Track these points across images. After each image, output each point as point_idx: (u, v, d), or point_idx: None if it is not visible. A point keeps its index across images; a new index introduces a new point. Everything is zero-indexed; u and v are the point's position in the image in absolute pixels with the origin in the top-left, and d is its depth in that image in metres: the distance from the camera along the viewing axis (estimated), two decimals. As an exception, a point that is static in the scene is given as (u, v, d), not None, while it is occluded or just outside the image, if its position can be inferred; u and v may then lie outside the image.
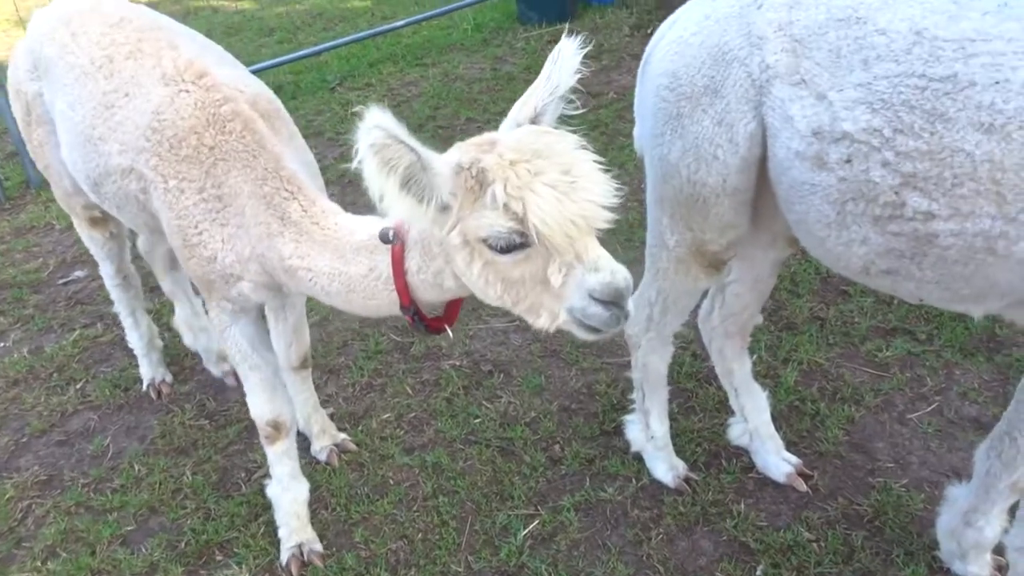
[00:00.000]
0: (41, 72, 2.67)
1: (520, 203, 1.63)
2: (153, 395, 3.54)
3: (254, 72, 2.58)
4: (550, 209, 1.62)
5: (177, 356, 3.77)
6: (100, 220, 3.14)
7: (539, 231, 1.63)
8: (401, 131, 1.64)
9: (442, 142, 5.43)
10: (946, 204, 1.78)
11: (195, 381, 3.63)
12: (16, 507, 3.06)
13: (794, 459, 2.92)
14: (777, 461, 2.90)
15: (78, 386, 3.64)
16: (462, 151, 1.76)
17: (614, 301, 1.69)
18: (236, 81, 2.33)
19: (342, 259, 2.06)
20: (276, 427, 2.62)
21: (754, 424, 2.91)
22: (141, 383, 3.59)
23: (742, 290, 2.69)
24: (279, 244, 2.12)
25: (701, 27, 2.11)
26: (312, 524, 2.82)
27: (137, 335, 3.51)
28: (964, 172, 1.73)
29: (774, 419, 2.96)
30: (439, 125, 5.74)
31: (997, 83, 1.69)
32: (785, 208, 2.09)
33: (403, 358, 3.65)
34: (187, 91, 2.23)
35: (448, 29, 7.54)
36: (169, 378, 3.60)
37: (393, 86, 6.52)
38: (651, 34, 2.51)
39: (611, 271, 1.68)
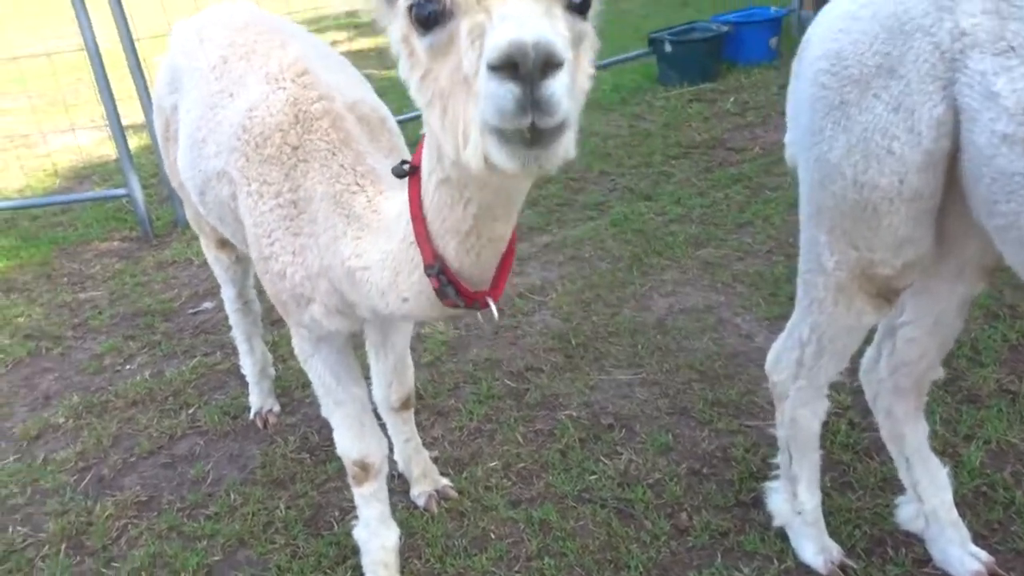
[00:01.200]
0: (176, 84, 2.66)
1: None
2: (259, 424, 3.43)
3: (398, 120, 2.41)
4: None
5: (287, 387, 3.65)
6: (226, 241, 3.09)
7: None
8: None
9: (571, 192, 5.31)
10: None
11: (302, 414, 3.49)
12: (113, 526, 2.98)
13: (984, 555, 2.36)
14: (961, 555, 2.35)
15: (190, 411, 3.59)
16: None
17: (515, 64, 1.06)
18: (342, 84, 2.16)
19: (388, 236, 1.73)
20: (364, 467, 2.38)
21: (931, 505, 2.38)
22: (249, 411, 3.49)
23: (918, 334, 2.23)
24: (341, 246, 1.84)
25: None
26: (402, 575, 2.54)
27: (251, 361, 3.43)
28: None
29: (955, 505, 2.43)
30: (570, 177, 5.56)
31: None
32: (986, 213, 1.68)
33: (516, 405, 3.36)
34: (283, 88, 2.08)
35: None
36: (276, 408, 3.49)
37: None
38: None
39: (517, 21, 1.08)
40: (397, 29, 1.32)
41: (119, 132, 5.46)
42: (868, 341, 2.38)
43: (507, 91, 1.08)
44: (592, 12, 1.28)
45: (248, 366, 3.44)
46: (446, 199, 1.48)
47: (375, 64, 10.19)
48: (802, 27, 8.12)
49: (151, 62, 5.55)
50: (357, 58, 10.53)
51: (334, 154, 1.94)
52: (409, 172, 1.59)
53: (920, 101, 1.67)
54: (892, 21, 1.70)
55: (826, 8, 1.97)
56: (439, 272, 1.58)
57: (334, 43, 11.92)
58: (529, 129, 1.12)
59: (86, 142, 7.69)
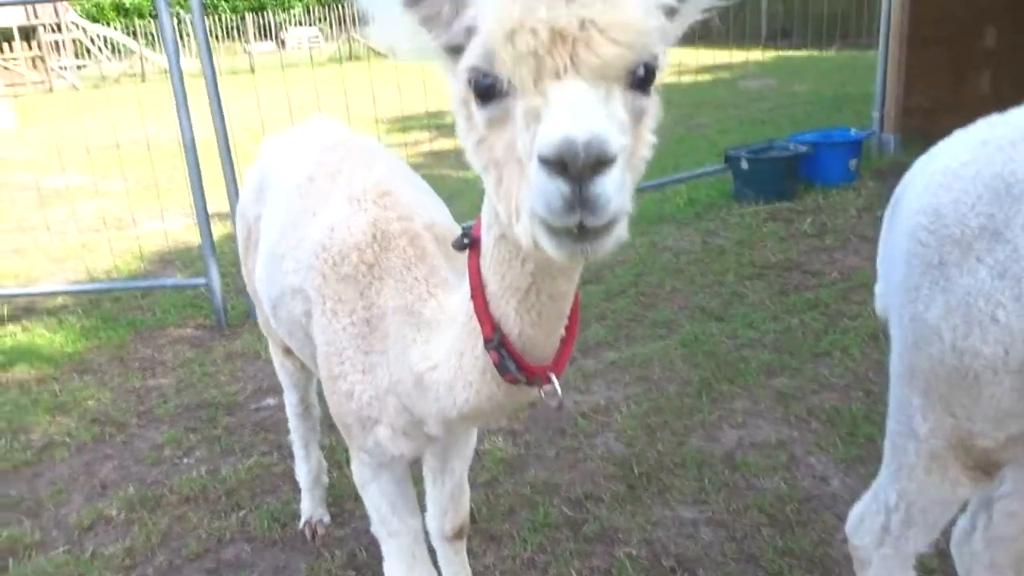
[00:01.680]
0: (261, 196, 2.73)
1: None
2: (308, 535, 3.34)
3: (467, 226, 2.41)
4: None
5: (340, 496, 3.58)
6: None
7: (485, 36, 1.15)
8: None
9: (642, 308, 5.22)
10: None
11: (352, 527, 3.39)
12: (150, 634, 2.90)
13: None
14: None
15: (241, 514, 3.53)
16: None
17: (564, 163, 1.05)
18: (421, 205, 2.17)
19: (452, 324, 1.69)
20: None
21: None
22: (299, 519, 3.41)
23: (1018, 507, 2.03)
24: (411, 354, 1.79)
25: (976, 155, 1.69)
26: None
27: (306, 468, 3.39)
28: None
29: None
30: (641, 292, 5.48)
31: None
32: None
33: (573, 536, 3.20)
34: (365, 209, 2.09)
35: (661, 202, 7.45)
36: (327, 519, 3.40)
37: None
38: (882, 216, 2.11)
39: (570, 113, 1.07)
40: (457, 92, 1.30)
41: (205, 222, 5.67)
42: (962, 508, 2.18)
43: (556, 187, 1.08)
44: (656, 83, 1.24)
45: (302, 472, 3.39)
46: (505, 254, 1.45)
47: (453, 165, 10.49)
48: (882, 149, 8.07)
49: (242, 151, 5.86)
50: (437, 158, 10.89)
51: (409, 268, 1.94)
52: (469, 244, 1.57)
53: (1029, 269, 1.56)
54: (998, 182, 1.61)
55: (923, 160, 1.89)
56: (498, 345, 1.52)
57: (416, 143, 12.40)
58: (577, 226, 1.11)
59: (174, 227, 8.04)
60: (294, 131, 2.82)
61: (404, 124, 13.37)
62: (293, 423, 3.36)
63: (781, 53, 15.91)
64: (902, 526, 2.02)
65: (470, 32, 1.22)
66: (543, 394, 1.63)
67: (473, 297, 1.53)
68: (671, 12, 1.25)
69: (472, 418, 1.79)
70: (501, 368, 1.54)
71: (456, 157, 10.26)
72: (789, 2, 16.90)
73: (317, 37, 33.16)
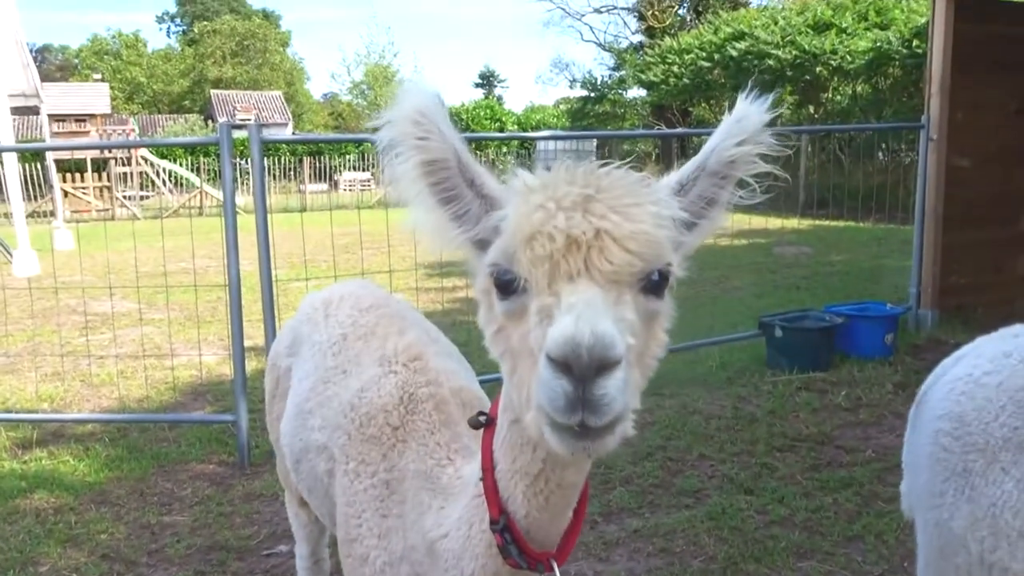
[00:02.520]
0: (295, 349, 2.81)
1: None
2: None
3: (483, 381, 2.45)
4: (518, 203, 1.24)
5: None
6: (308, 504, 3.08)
7: (507, 237, 1.24)
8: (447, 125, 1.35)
9: (669, 474, 5.10)
10: None
11: None
12: None
13: None
14: None
15: (238, 671, 3.39)
16: None
17: (568, 364, 1.10)
18: (451, 370, 2.21)
19: (464, 494, 1.70)
20: None
21: None
22: None
23: None
24: (426, 520, 1.78)
25: (1000, 365, 1.69)
26: None
27: None
28: None
29: None
30: (669, 457, 5.38)
31: None
32: None
33: None
34: (395, 372, 2.14)
35: (693, 363, 7.43)
36: None
37: (628, 411, 6.38)
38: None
39: (577, 316, 1.11)
40: (480, 282, 1.38)
41: (240, 360, 5.78)
42: None
43: (559, 386, 1.13)
44: (670, 287, 1.31)
45: None
46: (517, 439, 1.47)
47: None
48: (919, 325, 8.03)
49: (284, 286, 6.05)
50: (471, 305, 11.11)
51: (432, 433, 1.96)
52: (485, 423, 1.60)
53: (1059, 486, 1.53)
54: (1022, 396, 1.61)
55: (946, 362, 1.90)
56: (503, 528, 1.52)
57: (453, 288, 12.69)
58: (579, 424, 1.15)
59: (210, 359, 8.19)
60: (333, 289, 2.92)
61: (443, 271, 13.75)
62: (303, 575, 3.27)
63: (818, 223, 16.23)
64: None
65: (497, 230, 1.31)
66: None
67: (484, 476, 1.55)
68: (689, 225, 1.33)
69: None
70: (504, 551, 1.54)
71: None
72: (825, 176, 17.43)
73: (368, 181, 34.83)
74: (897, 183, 15.04)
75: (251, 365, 7.80)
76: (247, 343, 5.77)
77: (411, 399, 2.05)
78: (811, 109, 26.48)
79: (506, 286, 1.27)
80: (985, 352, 1.75)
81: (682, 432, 5.81)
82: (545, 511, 1.51)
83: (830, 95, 26.23)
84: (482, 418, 1.61)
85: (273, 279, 5.82)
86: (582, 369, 1.10)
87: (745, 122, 1.38)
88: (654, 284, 1.25)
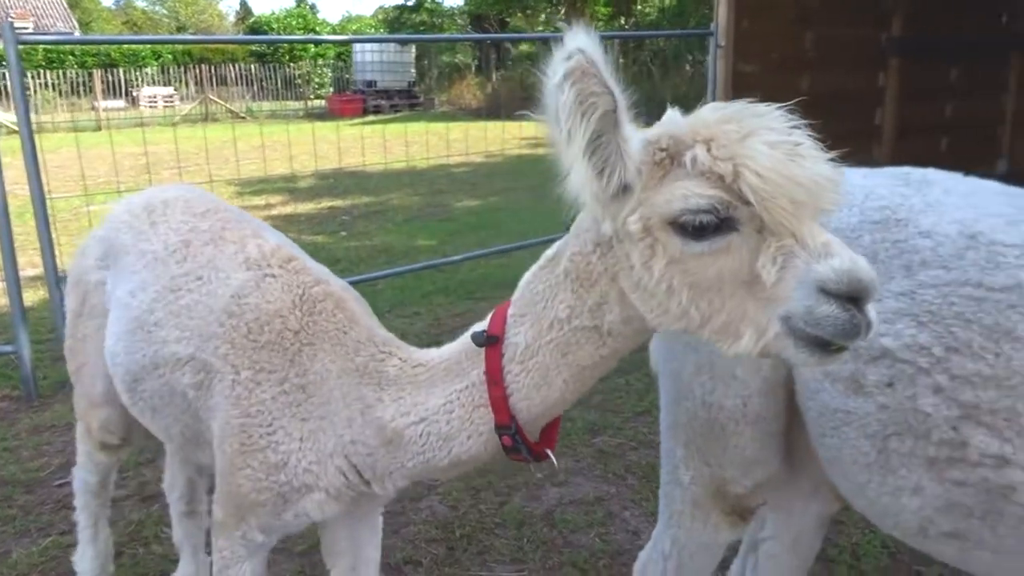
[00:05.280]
0: (110, 260, 2.57)
1: (730, 164, 1.33)
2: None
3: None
4: (773, 164, 1.31)
5: (144, 576, 3.36)
6: (112, 447, 2.84)
7: (757, 192, 1.31)
8: (607, 66, 1.36)
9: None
10: (1023, 446, 1.38)
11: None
12: None
13: None
14: None
15: (29, 601, 3.24)
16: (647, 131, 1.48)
17: (854, 297, 1.29)
18: (324, 270, 2.19)
19: (446, 382, 1.80)
20: None
21: None
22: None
23: (779, 550, 2.20)
24: (378, 413, 1.85)
25: None
26: None
27: (92, 553, 3.00)
28: None
29: None
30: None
31: (1073, 295, 1.37)
32: (817, 443, 1.71)
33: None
34: (274, 275, 2.07)
35: (506, 267, 7.66)
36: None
37: (440, 316, 6.50)
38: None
39: (849, 256, 1.30)
40: (636, 221, 1.42)
41: (15, 288, 5.30)
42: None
43: (851, 316, 1.30)
44: None
45: (87, 558, 3.01)
46: (582, 340, 1.60)
47: (306, 229, 10.41)
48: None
49: (59, 217, 5.53)
50: (289, 222, 10.72)
51: (345, 332, 1.96)
52: (487, 341, 1.69)
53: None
54: None
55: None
56: (515, 432, 1.69)
57: (268, 205, 12.19)
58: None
59: (-12, 291, 7.44)
60: (150, 194, 2.68)
61: (257, 188, 13.16)
62: (83, 500, 3.00)
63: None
64: (676, 572, 2.13)
65: (639, 173, 1.41)
66: (532, 468, 1.77)
67: (491, 387, 1.68)
68: None
69: (457, 467, 1.87)
70: (512, 450, 1.72)
71: (307, 220, 10.20)
72: (641, 87, 18.05)
73: (172, 96, 32.24)
74: (702, 91, 15.90)
75: (37, 295, 7.19)
76: (32, 272, 5.27)
77: (305, 300, 2.02)
78: (622, 21, 27.18)
79: (701, 229, 1.36)
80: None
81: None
82: (558, 406, 1.70)
83: (641, 7, 27.03)
84: (483, 335, 1.71)
85: (46, 200, 5.31)
86: (866, 301, 1.30)
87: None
88: None
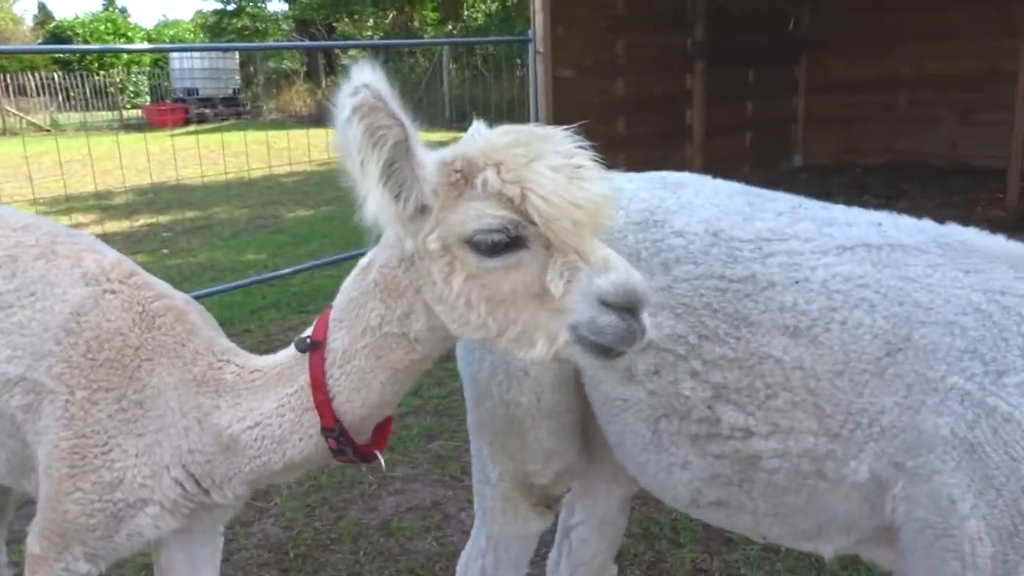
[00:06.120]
0: None
1: (517, 187, 1.44)
2: None
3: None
4: (555, 188, 1.43)
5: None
6: None
7: (542, 214, 1.42)
8: (393, 99, 1.44)
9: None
10: (763, 419, 1.57)
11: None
12: None
13: None
14: None
15: None
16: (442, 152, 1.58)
17: (629, 307, 1.44)
18: (166, 284, 2.14)
19: (279, 385, 1.84)
20: None
21: None
22: None
23: (589, 533, 2.35)
24: (215, 420, 1.87)
25: None
26: None
27: None
28: (776, 381, 1.55)
29: None
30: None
31: (796, 282, 1.57)
32: (604, 430, 1.85)
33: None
34: (114, 291, 2.00)
35: (339, 278, 7.51)
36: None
37: (272, 332, 6.33)
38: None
39: (625, 270, 1.45)
40: (435, 240, 1.51)
41: None
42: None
43: (627, 324, 1.44)
44: None
45: None
46: (393, 345, 1.68)
47: (123, 249, 9.75)
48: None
49: None
50: (105, 241, 10.05)
51: (183, 344, 1.96)
52: (310, 347, 1.76)
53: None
54: None
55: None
56: (339, 434, 1.75)
57: (78, 225, 11.34)
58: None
59: None
60: None
61: (66, 206, 12.21)
62: None
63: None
64: (494, 567, 2.22)
65: (436, 194, 1.50)
66: (364, 469, 1.77)
67: (315, 390, 1.74)
68: None
69: (292, 470, 1.91)
70: (337, 452, 1.79)
71: (123, 239, 9.56)
72: (473, 90, 18.28)
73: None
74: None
75: None
76: None
77: (145, 316, 1.99)
78: (450, 26, 27.45)
79: (493, 247, 1.46)
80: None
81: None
82: (380, 408, 1.77)
83: (469, 13, 27.38)
84: (308, 340, 1.77)
85: None
86: (640, 309, 1.44)
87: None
88: None
